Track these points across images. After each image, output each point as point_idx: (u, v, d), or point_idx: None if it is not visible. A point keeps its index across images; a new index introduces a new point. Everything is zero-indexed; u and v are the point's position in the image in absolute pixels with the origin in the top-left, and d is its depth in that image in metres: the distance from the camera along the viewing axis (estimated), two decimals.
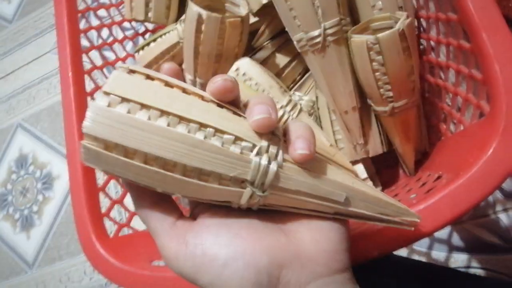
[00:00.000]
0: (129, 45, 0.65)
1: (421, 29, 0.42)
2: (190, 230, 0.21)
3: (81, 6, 0.48)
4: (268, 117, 0.20)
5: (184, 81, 0.30)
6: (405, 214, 0.23)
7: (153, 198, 0.22)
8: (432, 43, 0.40)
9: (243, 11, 0.43)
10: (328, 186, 0.21)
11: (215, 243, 0.20)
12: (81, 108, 0.41)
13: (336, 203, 0.22)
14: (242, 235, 0.20)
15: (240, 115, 0.21)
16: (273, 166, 0.20)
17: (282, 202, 0.22)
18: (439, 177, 0.31)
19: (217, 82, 0.20)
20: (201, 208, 0.23)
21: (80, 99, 0.42)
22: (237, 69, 0.41)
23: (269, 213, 0.23)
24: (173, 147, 0.19)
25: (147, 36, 0.63)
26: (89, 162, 0.20)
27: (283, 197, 0.21)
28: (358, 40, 0.34)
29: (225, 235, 0.20)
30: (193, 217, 0.23)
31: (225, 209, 0.22)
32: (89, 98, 0.44)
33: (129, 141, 0.19)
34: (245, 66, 0.40)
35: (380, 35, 0.33)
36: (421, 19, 0.42)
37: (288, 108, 0.40)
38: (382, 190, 0.44)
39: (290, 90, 0.48)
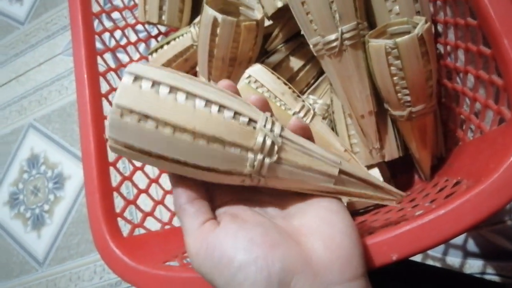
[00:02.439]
0: (141, 47, 0.66)
1: (438, 34, 0.42)
2: (213, 232, 0.22)
3: (94, 8, 0.48)
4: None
5: None
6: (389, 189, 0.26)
7: (190, 196, 0.24)
8: (449, 48, 0.40)
9: (258, 14, 0.43)
10: (323, 152, 0.24)
11: (233, 246, 0.21)
12: (97, 109, 0.42)
13: (334, 164, 0.24)
14: (257, 241, 0.21)
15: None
16: (273, 138, 0.23)
17: (284, 176, 0.24)
18: (457, 183, 0.31)
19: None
20: (223, 212, 0.24)
21: (95, 100, 0.42)
22: (249, 76, 0.40)
23: (282, 221, 0.24)
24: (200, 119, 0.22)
25: (160, 38, 0.63)
26: (123, 137, 0.22)
27: (284, 170, 0.23)
28: (376, 44, 0.34)
29: (242, 239, 0.21)
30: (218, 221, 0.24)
31: (243, 215, 0.23)
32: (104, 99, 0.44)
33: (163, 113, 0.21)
34: (257, 73, 0.40)
35: (399, 39, 0.33)
36: (438, 24, 0.42)
37: (301, 114, 0.40)
38: None
39: (304, 93, 0.48)
